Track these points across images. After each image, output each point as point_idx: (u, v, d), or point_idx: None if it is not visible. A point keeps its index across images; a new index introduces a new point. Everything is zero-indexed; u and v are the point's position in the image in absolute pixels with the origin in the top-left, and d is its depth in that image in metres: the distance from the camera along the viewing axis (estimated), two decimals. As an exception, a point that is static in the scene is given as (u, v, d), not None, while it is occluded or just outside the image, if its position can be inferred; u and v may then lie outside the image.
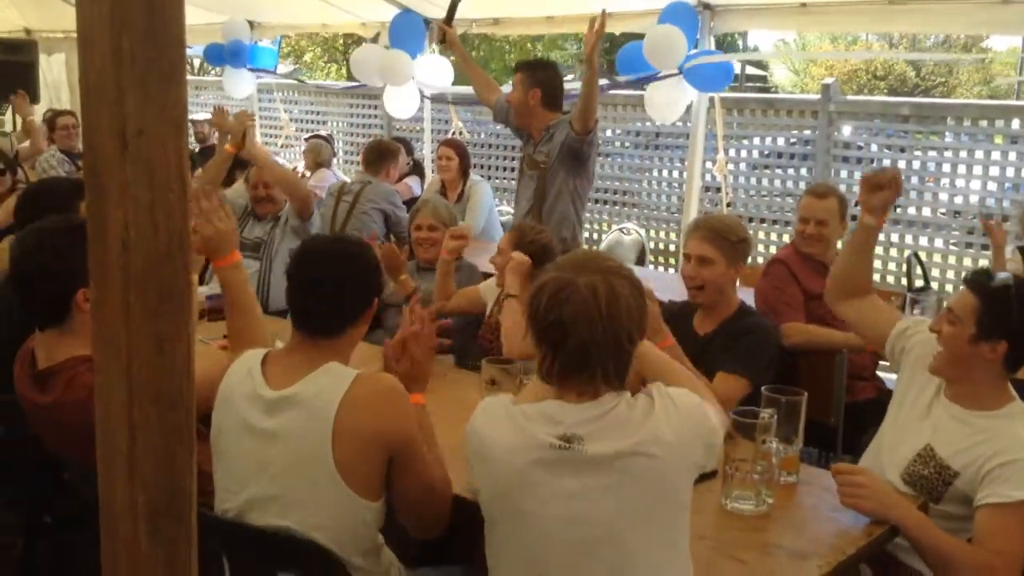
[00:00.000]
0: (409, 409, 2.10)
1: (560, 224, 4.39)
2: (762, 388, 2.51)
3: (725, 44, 26.54)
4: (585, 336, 1.78)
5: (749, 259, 3.20)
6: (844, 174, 6.87)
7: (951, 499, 2.33)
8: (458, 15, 7.23)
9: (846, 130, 6.95)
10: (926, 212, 6.57)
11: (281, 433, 2.01)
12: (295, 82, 9.96)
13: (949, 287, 6.39)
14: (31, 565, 2.76)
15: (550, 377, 1.85)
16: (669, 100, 5.78)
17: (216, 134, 6.20)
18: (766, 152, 7.60)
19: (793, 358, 3.53)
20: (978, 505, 2.22)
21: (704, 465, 1.87)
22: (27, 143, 7.40)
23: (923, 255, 6.44)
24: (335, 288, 2.13)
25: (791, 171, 7.24)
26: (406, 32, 7.03)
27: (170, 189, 1.16)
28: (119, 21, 1.10)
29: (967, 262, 6.27)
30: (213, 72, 10.37)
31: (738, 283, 3.28)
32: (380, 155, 5.62)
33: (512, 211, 5.36)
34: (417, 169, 7.46)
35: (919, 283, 4.09)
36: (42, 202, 3.01)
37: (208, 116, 9.27)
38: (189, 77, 17.73)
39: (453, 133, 7.88)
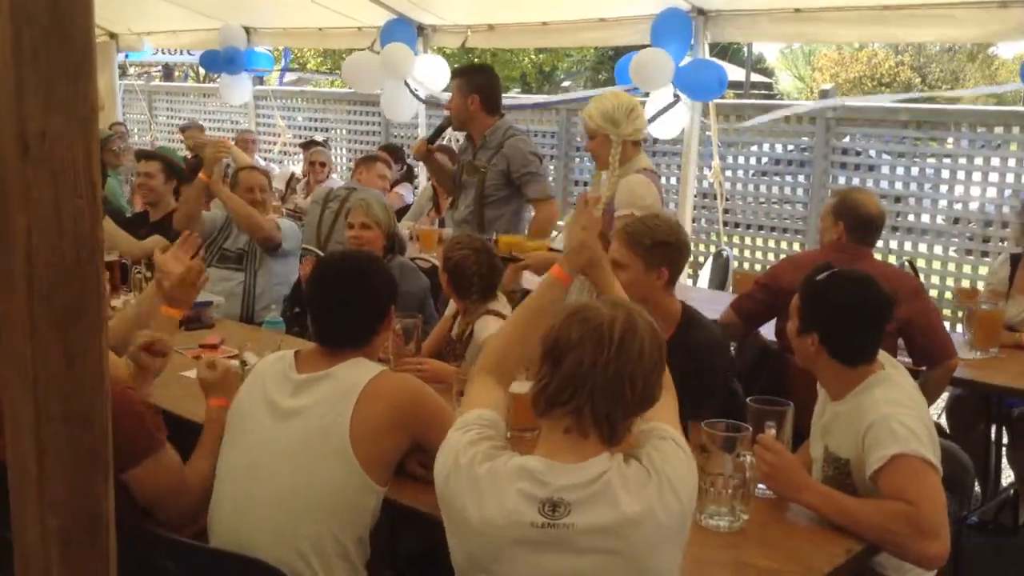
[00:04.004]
0: (428, 403, 2.22)
1: (503, 227, 4.36)
2: (748, 400, 2.44)
3: (729, 53, 26.51)
4: (586, 359, 1.66)
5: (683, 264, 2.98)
6: (843, 180, 6.80)
7: (862, 487, 2.29)
8: (453, 22, 7.26)
9: (850, 136, 6.88)
10: (925, 219, 6.49)
11: (303, 411, 2.11)
12: (294, 90, 9.92)
13: (949, 295, 6.31)
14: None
15: (538, 401, 1.72)
16: (668, 117, 5.73)
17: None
18: (764, 159, 7.53)
19: (783, 366, 3.46)
20: (870, 478, 2.20)
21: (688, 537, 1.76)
22: None
23: (922, 262, 6.37)
24: (354, 308, 2.24)
25: (789, 178, 7.17)
26: (399, 38, 6.99)
27: (78, 194, 1.09)
28: (19, 15, 1.03)
29: (967, 269, 6.18)
30: (217, 80, 10.34)
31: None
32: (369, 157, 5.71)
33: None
34: (408, 176, 7.40)
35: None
36: None
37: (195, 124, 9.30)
38: (193, 84, 17.68)
39: (448, 140, 7.82)
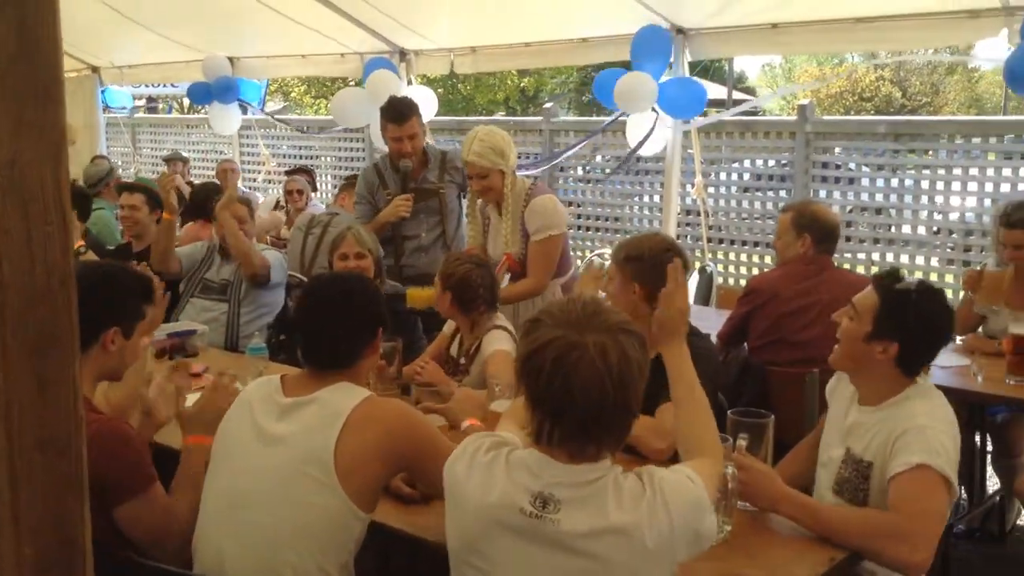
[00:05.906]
0: (419, 427, 2.18)
1: (461, 243, 4.53)
2: (728, 411, 2.46)
3: (711, 71, 26.67)
4: (593, 406, 1.64)
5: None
6: (823, 194, 6.84)
7: (876, 493, 2.31)
8: (436, 46, 7.29)
9: (835, 150, 6.93)
10: (907, 230, 6.53)
11: (289, 437, 2.08)
12: (277, 119, 9.91)
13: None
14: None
15: (548, 443, 1.71)
16: (650, 134, 5.79)
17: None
18: (744, 175, 7.57)
19: (764, 379, 3.48)
20: (889, 479, 2.22)
21: (683, 561, 1.73)
22: None
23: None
24: (339, 329, 2.21)
25: (770, 193, 7.21)
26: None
27: (48, 221, 1.10)
28: (-16, 43, 1.05)
29: (949, 279, 6.22)
30: (203, 111, 10.31)
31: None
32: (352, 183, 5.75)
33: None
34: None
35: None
36: None
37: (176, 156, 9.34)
38: (177, 116, 17.63)
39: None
